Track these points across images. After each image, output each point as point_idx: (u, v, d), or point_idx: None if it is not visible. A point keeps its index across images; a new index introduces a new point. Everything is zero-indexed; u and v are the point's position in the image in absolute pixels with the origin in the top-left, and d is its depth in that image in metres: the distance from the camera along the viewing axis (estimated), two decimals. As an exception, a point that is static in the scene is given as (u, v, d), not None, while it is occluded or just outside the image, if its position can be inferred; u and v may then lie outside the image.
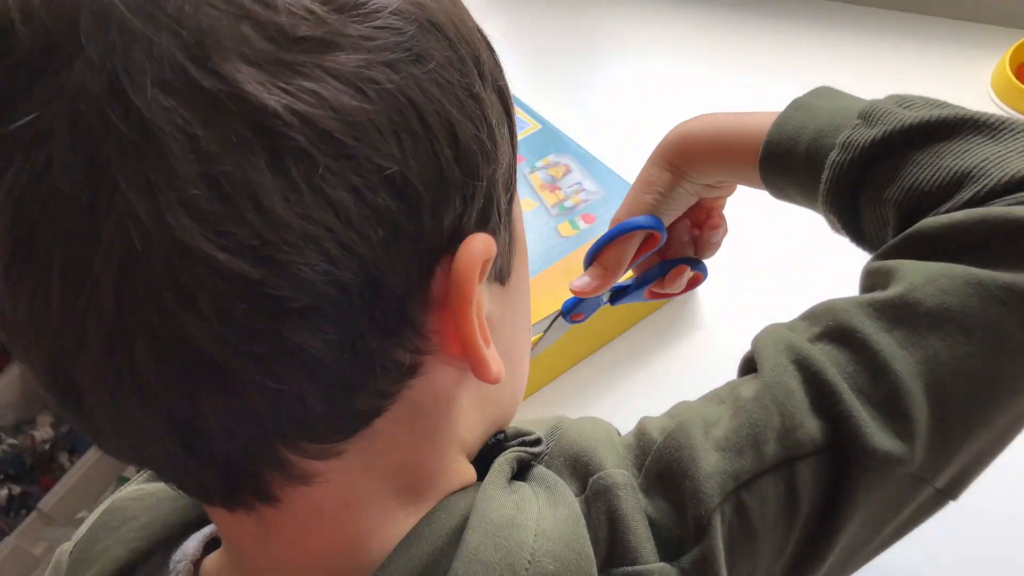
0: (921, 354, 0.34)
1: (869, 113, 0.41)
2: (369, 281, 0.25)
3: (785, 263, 0.75)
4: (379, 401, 0.28)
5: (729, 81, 0.91)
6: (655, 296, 0.57)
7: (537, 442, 0.36)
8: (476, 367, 0.29)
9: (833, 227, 0.45)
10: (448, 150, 0.26)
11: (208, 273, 0.23)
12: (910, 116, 0.39)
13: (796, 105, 0.45)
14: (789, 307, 0.67)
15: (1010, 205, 0.36)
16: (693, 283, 0.65)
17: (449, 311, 0.28)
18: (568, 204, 0.75)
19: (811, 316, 0.38)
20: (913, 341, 0.34)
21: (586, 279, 0.53)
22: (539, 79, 0.97)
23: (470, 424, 0.34)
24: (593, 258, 0.54)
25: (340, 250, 0.24)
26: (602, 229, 0.72)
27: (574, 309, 0.59)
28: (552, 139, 0.81)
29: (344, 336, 0.25)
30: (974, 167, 0.37)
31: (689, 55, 0.95)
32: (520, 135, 0.82)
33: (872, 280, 0.38)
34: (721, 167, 0.49)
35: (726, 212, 0.56)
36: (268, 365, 0.24)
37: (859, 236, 0.43)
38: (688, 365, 0.70)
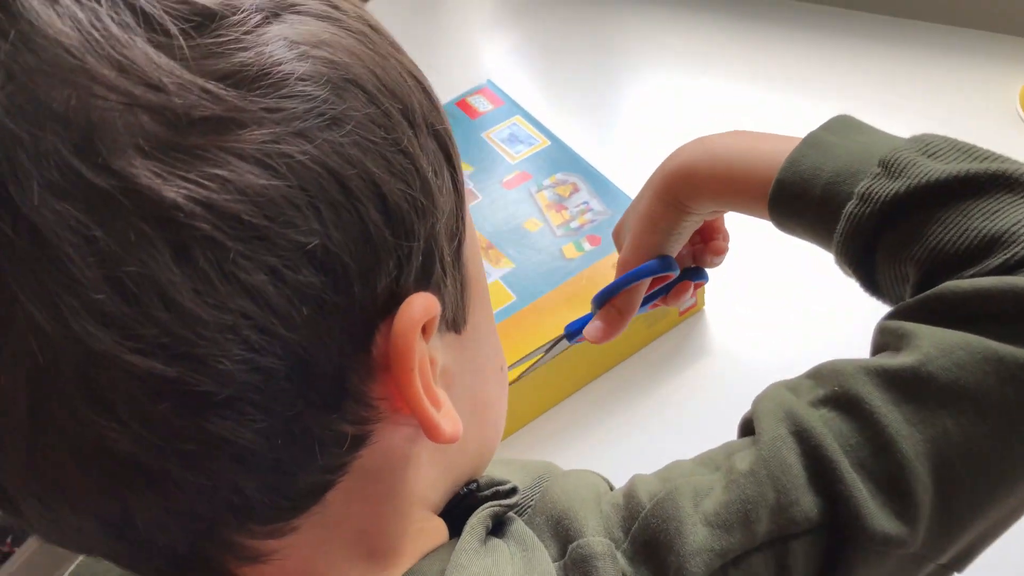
0: (930, 432, 0.32)
1: (891, 161, 0.38)
2: (297, 363, 0.24)
3: (798, 284, 0.72)
4: (327, 477, 0.27)
5: (750, 95, 0.88)
6: (655, 306, 0.56)
7: (512, 491, 0.35)
8: (427, 431, 0.28)
9: (844, 271, 0.42)
10: (376, 214, 0.25)
11: (123, 377, 0.22)
12: (936, 170, 0.37)
13: (811, 142, 0.42)
14: (802, 333, 0.64)
15: None
16: (684, 311, 0.64)
17: (392, 377, 0.27)
18: (574, 225, 0.73)
19: (817, 376, 0.37)
20: (923, 418, 0.32)
21: (599, 325, 0.52)
22: (552, 92, 0.95)
23: (431, 480, 0.33)
24: (603, 301, 0.52)
25: (261, 336, 0.23)
26: (608, 250, 0.70)
27: (580, 332, 0.57)
28: (561, 156, 0.79)
29: (276, 422, 0.24)
30: (1005, 231, 0.35)
31: (710, 69, 0.92)
32: (528, 152, 0.80)
33: (885, 339, 0.37)
34: (728, 203, 0.47)
35: (734, 227, 0.54)
36: (196, 462, 0.24)
37: (874, 288, 0.41)
38: (695, 393, 0.68)
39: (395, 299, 0.26)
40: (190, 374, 0.22)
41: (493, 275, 0.71)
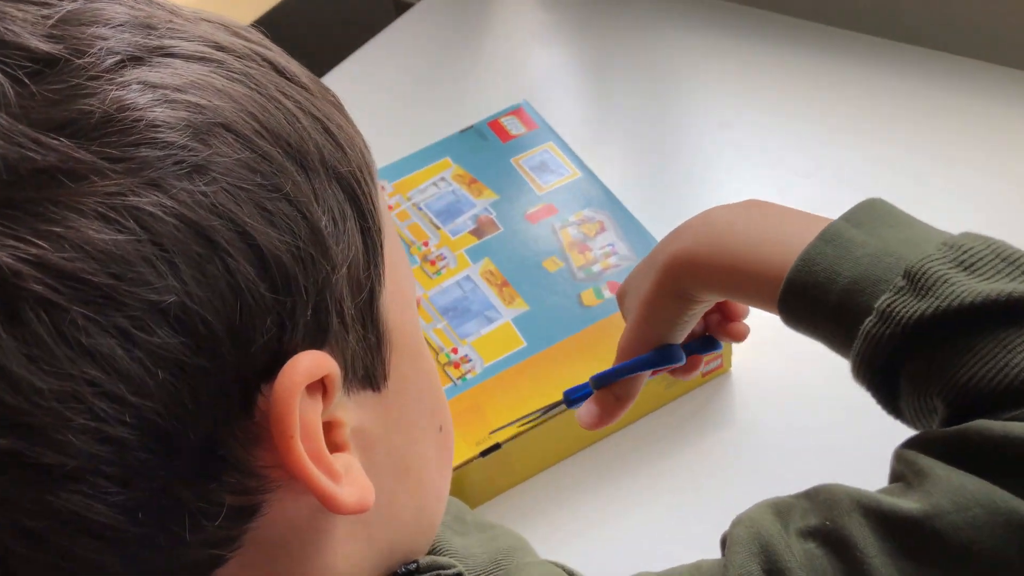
0: None
1: (918, 274, 0.33)
2: (154, 432, 0.23)
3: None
4: (212, 551, 0.26)
5: (812, 136, 0.82)
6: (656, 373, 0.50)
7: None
8: (321, 502, 0.26)
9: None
10: (248, 268, 0.24)
11: None
12: (970, 290, 0.32)
13: (829, 236, 0.37)
14: (843, 406, 0.57)
15: None
16: (708, 372, 0.59)
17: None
18: (596, 268, 0.68)
19: (812, 498, 0.33)
20: None
21: (594, 410, 0.47)
22: (590, 118, 0.90)
23: (353, 556, 0.30)
24: (600, 384, 0.47)
25: (108, 404, 0.22)
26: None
27: (582, 400, 0.52)
28: (591, 191, 0.74)
29: (137, 494, 0.23)
30: None
31: (764, 105, 0.86)
32: (557, 183, 0.76)
33: (901, 468, 0.33)
34: (735, 296, 0.43)
35: None
36: (45, 540, 0.22)
37: (897, 414, 0.36)
38: (711, 467, 0.63)
39: (278, 359, 0.25)
40: (27, 446, 0.21)
41: (505, 316, 0.66)
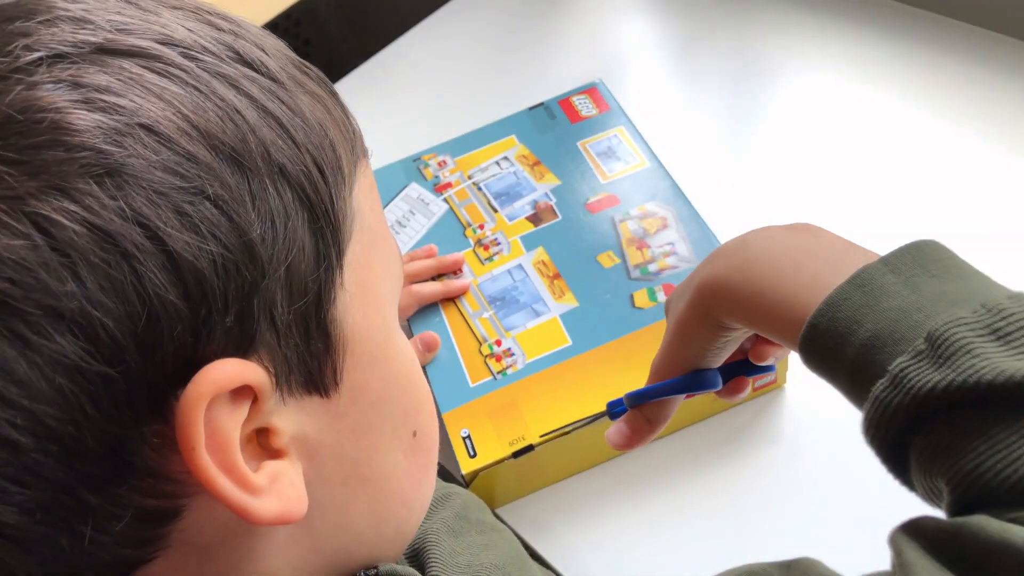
0: None
1: (941, 339, 0.30)
2: (50, 435, 0.23)
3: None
4: (129, 551, 0.26)
5: (922, 124, 0.76)
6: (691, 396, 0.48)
7: None
8: (235, 513, 0.26)
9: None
10: (157, 273, 0.23)
11: None
12: (993, 367, 0.28)
13: (860, 281, 0.34)
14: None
15: None
16: (760, 387, 0.55)
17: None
18: (652, 268, 0.65)
19: (788, 569, 0.32)
20: None
21: (624, 431, 0.45)
22: (667, 102, 0.85)
23: (293, 560, 0.30)
24: (634, 403, 0.45)
25: (1, 407, 0.22)
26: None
27: (622, 413, 0.50)
28: (658, 183, 0.71)
29: (38, 495, 0.23)
30: None
31: (868, 99, 0.80)
32: (623, 172, 0.72)
33: (892, 555, 0.30)
34: (761, 330, 0.39)
35: None
36: None
37: (909, 486, 0.33)
38: (756, 485, 0.60)
39: (192, 366, 0.24)
40: None
41: (553, 311, 0.64)
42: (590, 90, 0.80)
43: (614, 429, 0.46)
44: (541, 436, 0.57)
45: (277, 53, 0.29)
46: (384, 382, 0.32)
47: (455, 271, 0.68)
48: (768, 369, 0.47)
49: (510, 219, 0.71)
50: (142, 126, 0.24)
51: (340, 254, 0.29)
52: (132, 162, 0.23)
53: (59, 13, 0.25)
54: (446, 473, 0.62)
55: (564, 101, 0.80)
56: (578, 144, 0.76)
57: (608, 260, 0.67)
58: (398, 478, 0.33)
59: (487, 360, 0.63)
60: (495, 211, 0.72)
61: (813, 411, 0.63)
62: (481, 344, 0.64)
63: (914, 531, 0.30)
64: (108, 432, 0.23)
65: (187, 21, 0.27)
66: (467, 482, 0.57)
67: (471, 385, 0.61)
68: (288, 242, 0.26)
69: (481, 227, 0.71)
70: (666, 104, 0.85)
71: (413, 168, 0.78)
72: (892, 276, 0.33)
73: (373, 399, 0.31)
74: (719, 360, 0.43)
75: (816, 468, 0.60)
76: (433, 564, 0.39)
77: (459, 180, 0.76)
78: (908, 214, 0.70)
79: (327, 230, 0.28)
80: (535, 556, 0.59)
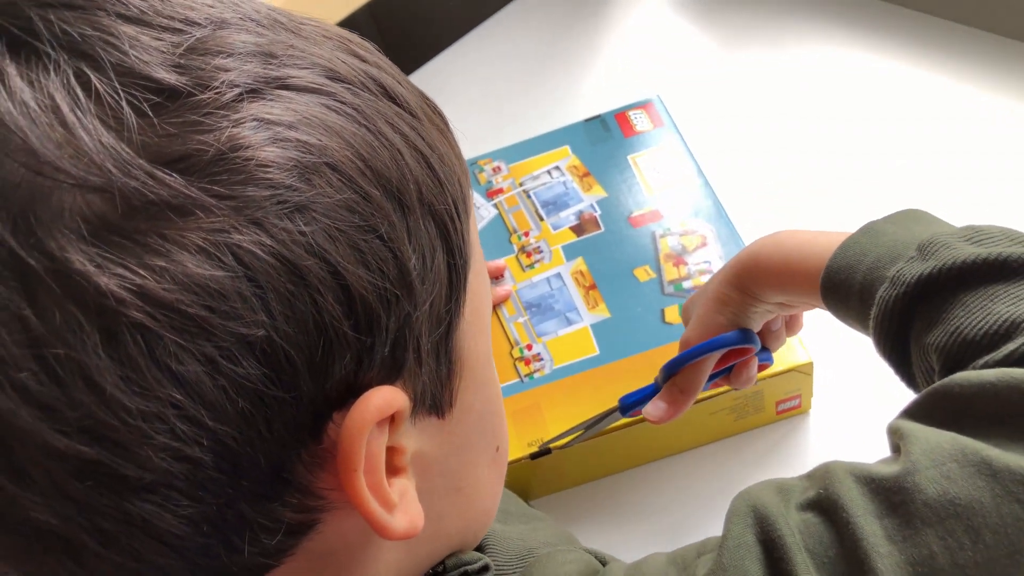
0: (912, 553, 0.29)
1: (927, 244, 0.38)
2: (227, 454, 0.24)
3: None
4: (266, 561, 0.27)
5: (949, 153, 0.75)
6: (716, 385, 0.55)
7: (484, 569, 0.35)
8: (375, 530, 0.28)
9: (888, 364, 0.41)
10: (335, 306, 0.25)
11: (43, 454, 0.22)
12: (968, 252, 0.36)
13: (866, 229, 0.42)
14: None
15: None
16: (783, 411, 0.59)
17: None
18: (687, 285, 0.67)
19: (812, 475, 0.35)
20: (906, 536, 0.30)
21: (662, 405, 0.51)
22: (721, 119, 0.86)
23: (390, 563, 0.32)
24: (671, 372, 0.50)
25: (188, 426, 0.23)
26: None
27: (636, 405, 0.53)
28: (702, 200, 0.72)
29: (205, 508, 0.24)
30: None
31: (914, 115, 0.78)
32: (669, 187, 0.74)
33: (891, 439, 0.34)
34: (785, 291, 0.47)
35: None
36: (117, 540, 0.24)
37: (914, 386, 0.39)
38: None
39: (352, 391, 0.26)
40: (111, 457, 0.23)
41: (585, 320, 0.67)
42: (646, 105, 0.81)
43: (651, 405, 0.50)
44: (558, 437, 0.59)
45: (409, 86, 0.30)
46: (484, 403, 0.34)
47: (497, 277, 0.71)
48: (766, 355, 0.53)
49: (555, 228, 0.74)
50: (329, 165, 0.25)
51: (464, 285, 0.30)
52: (320, 200, 0.24)
53: (250, 48, 0.26)
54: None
55: (620, 115, 0.81)
56: (628, 157, 0.77)
57: (644, 274, 0.68)
58: (483, 489, 0.36)
59: (516, 363, 0.65)
60: (541, 219, 0.75)
61: (836, 438, 0.63)
62: (513, 347, 0.66)
63: (906, 410, 0.35)
64: (275, 452, 0.25)
65: (341, 53, 0.28)
66: (485, 478, 0.60)
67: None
68: (434, 276, 0.28)
69: (526, 234, 0.74)
70: (716, 121, 0.85)
71: (469, 172, 0.81)
72: (891, 225, 0.42)
73: (475, 419, 0.33)
74: (754, 323, 0.49)
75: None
76: (490, 547, 0.41)
77: (510, 186, 0.78)
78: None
79: (459, 263, 0.30)
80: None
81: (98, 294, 0.22)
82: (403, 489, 0.29)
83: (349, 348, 0.25)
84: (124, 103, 0.23)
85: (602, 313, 0.67)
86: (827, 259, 0.42)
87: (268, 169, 0.24)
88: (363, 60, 0.29)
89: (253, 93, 0.25)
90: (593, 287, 0.69)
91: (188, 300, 0.22)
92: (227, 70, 0.25)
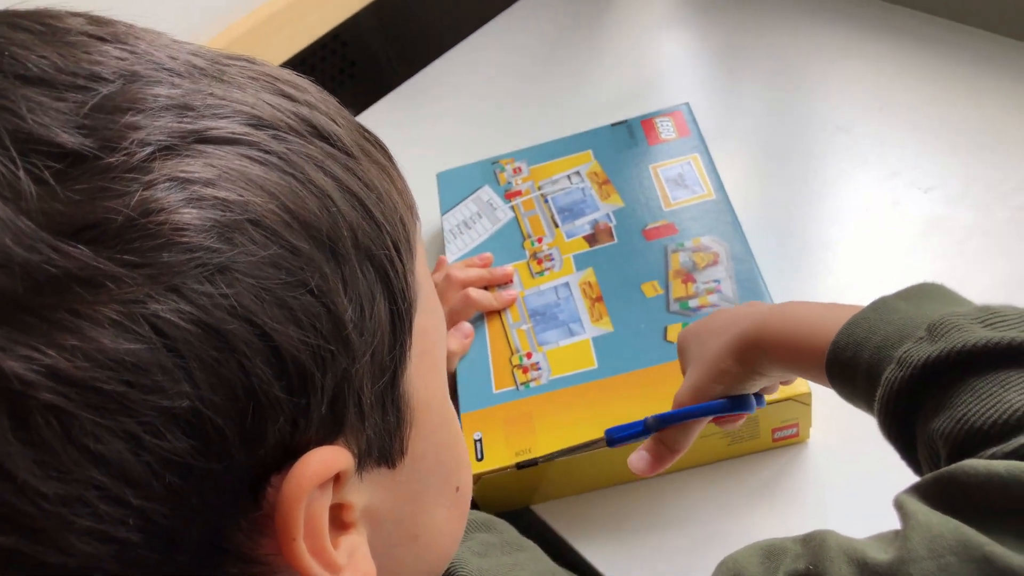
0: None
1: (938, 325, 0.37)
2: (158, 531, 0.23)
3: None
4: None
5: (939, 146, 0.71)
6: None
7: None
8: None
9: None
10: (264, 369, 0.23)
11: None
12: (980, 335, 0.35)
13: (875, 305, 0.41)
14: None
15: None
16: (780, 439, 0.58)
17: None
18: (693, 303, 0.66)
19: (807, 543, 0.34)
20: None
21: (647, 458, 0.50)
22: (750, 132, 0.84)
23: None
24: (660, 426, 0.49)
25: (113, 507, 0.22)
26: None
27: (623, 440, 0.53)
28: (719, 217, 0.71)
29: None
30: None
31: (901, 110, 0.75)
32: (686, 201, 0.73)
33: (896, 508, 0.34)
34: (789, 367, 0.46)
35: None
36: None
37: (918, 471, 0.38)
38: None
39: (290, 454, 0.25)
40: (30, 545, 0.21)
41: (587, 333, 0.66)
42: (675, 113, 0.80)
43: (636, 455, 0.50)
44: (544, 456, 0.59)
45: (345, 122, 0.29)
46: (439, 446, 0.33)
47: (504, 283, 0.71)
48: (759, 401, 0.51)
49: (568, 236, 0.73)
50: (249, 221, 0.24)
51: (411, 329, 0.29)
52: (242, 259, 0.23)
53: (163, 102, 0.24)
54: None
55: (647, 121, 0.80)
56: (650, 167, 0.76)
57: (651, 290, 0.68)
58: (443, 531, 0.35)
59: (514, 370, 0.66)
60: (556, 226, 0.74)
61: (835, 469, 0.62)
62: (513, 354, 0.67)
63: (912, 488, 0.34)
64: (211, 523, 0.24)
65: (268, 95, 0.27)
66: (471, 484, 0.61)
67: (494, 391, 0.65)
68: (374, 326, 0.27)
69: (540, 240, 0.74)
70: (745, 133, 0.83)
71: (490, 171, 0.81)
72: (903, 302, 0.40)
73: (430, 463, 0.32)
74: (752, 389, 0.48)
75: (839, 524, 0.59)
76: None
77: (529, 189, 0.78)
78: (924, 222, 0.66)
79: (402, 307, 0.28)
80: (567, 561, 0.62)
81: (2, 378, 0.21)
82: (353, 546, 0.28)
83: (282, 411, 0.24)
84: (22, 173, 0.21)
85: (605, 327, 0.66)
86: (834, 335, 0.41)
87: (184, 232, 0.23)
88: (292, 99, 0.28)
89: (167, 151, 0.23)
90: (599, 299, 0.68)
91: (104, 377, 0.21)
92: (138, 128, 0.23)
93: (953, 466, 0.32)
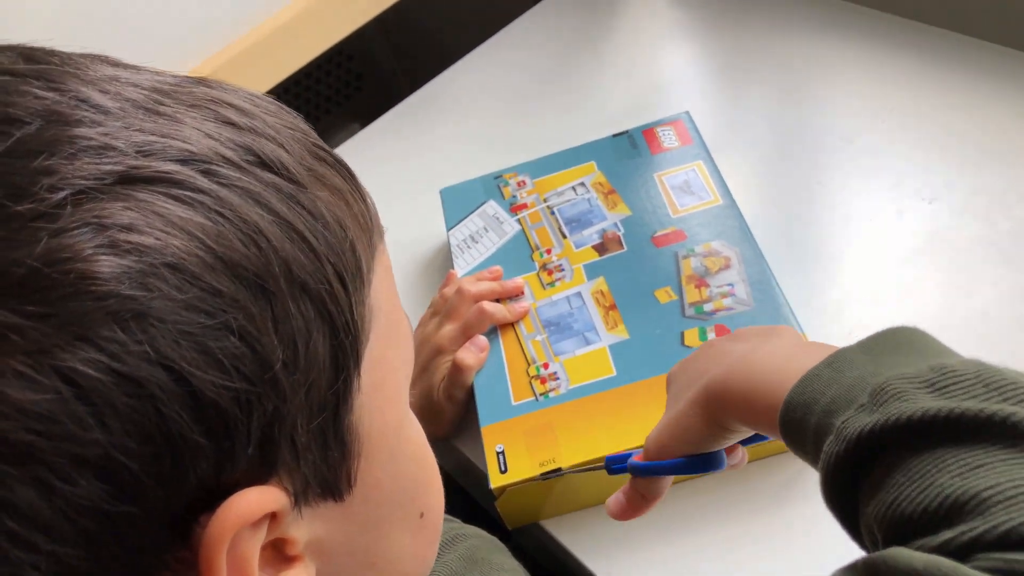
0: None
1: (880, 391, 0.32)
2: (73, 575, 0.23)
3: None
4: None
5: (943, 157, 0.72)
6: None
7: None
8: None
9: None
10: (182, 414, 0.23)
11: None
12: (919, 407, 0.31)
13: (832, 360, 0.36)
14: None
15: (993, 570, 0.26)
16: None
17: None
18: (708, 308, 0.66)
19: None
20: None
21: (621, 503, 0.47)
22: (750, 137, 0.84)
23: None
24: (635, 472, 0.47)
25: (26, 553, 0.22)
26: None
27: (620, 471, 0.51)
28: (727, 221, 0.71)
29: None
30: (975, 495, 0.28)
31: (903, 121, 0.76)
32: (694, 208, 0.73)
33: None
34: (752, 424, 0.41)
35: None
36: None
37: (862, 545, 0.34)
38: (779, 547, 0.59)
39: (217, 495, 0.25)
40: None
41: (603, 341, 0.66)
42: (675, 122, 0.81)
43: (612, 499, 0.47)
44: (569, 466, 0.59)
45: (295, 144, 0.28)
46: (396, 475, 0.32)
47: (516, 295, 0.71)
48: (760, 437, 0.47)
49: (577, 246, 0.73)
50: (167, 265, 0.23)
51: (358, 361, 0.29)
52: (157, 304, 0.23)
53: (81, 144, 0.24)
54: (476, 493, 0.64)
55: (648, 131, 0.81)
56: (655, 176, 0.77)
57: (665, 296, 0.68)
58: (404, 558, 0.34)
59: (532, 381, 0.65)
60: (564, 237, 0.74)
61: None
62: (529, 365, 0.66)
63: (846, 568, 0.31)
64: (132, 565, 0.24)
65: (207, 123, 0.27)
66: (495, 496, 0.60)
67: (513, 403, 0.64)
68: (309, 363, 0.26)
69: (548, 251, 0.74)
70: (745, 138, 0.84)
71: (493, 185, 0.81)
72: (862, 355, 0.36)
73: (385, 493, 0.32)
74: (719, 446, 0.44)
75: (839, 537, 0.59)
76: None
77: (534, 202, 0.78)
78: (927, 233, 0.67)
79: (346, 341, 0.28)
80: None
81: None
82: None
83: (203, 455, 0.24)
84: None
85: (621, 334, 0.66)
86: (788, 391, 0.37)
87: (94, 280, 0.22)
88: (235, 127, 0.27)
89: (82, 195, 0.23)
90: (613, 307, 0.68)
91: (10, 427, 0.21)
92: (51, 173, 0.23)
93: (878, 554, 0.30)
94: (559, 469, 0.59)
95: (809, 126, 0.83)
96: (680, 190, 0.75)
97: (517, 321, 0.69)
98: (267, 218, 0.26)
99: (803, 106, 0.84)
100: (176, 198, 0.24)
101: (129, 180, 0.24)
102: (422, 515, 0.35)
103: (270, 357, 0.25)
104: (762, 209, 0.76)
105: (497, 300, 0.70)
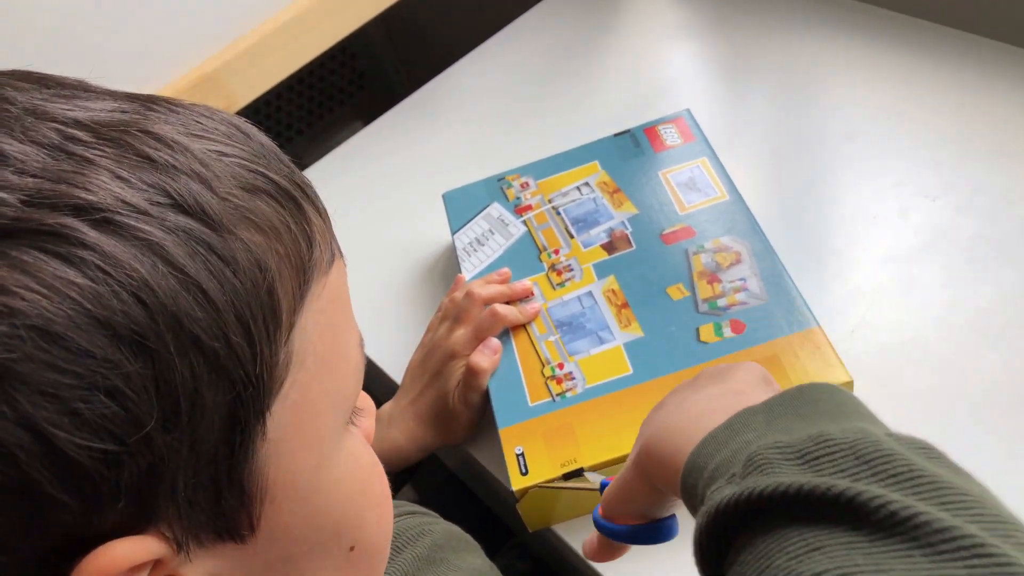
0: None
1: (750, 461, 0.31)
2: None
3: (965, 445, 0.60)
4: None
5: (946, 154, 0.73)
6: None
7: None
8: None
9: None
10: (43, 472, 0.23)
11: None
12: (773, 481, 0.28)
13: (731, 421, 0.34)
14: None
15: None
16: None
17: None
18: (721, 303, 0.65)
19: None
20: None
21: (595, 545, 0.46)
22: (753, 133, 0.84)
23: None
24: (596, 525, 0.45)
25: None
26: (749, 342, 0.62)
27: None
28: (735, 217, 0.71)
29: None
30: None
31: (906, 118, 0.77)
32: (701, 204, 0.73)
33: None
34: (672, 490, 0.38)
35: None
36: None
37: None
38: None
39: (88, 543, 0.25)
40: None
41: (618, 339, 0.65)
42: (676, 120, 0.81)
43: (587, 540, 0.46)
44: (590, 465, 0.58)
45: (227, 179, 0.27)
46: (310, 514, 0.31)
47: (525, 297, 0.70)
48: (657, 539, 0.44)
49: (585, 246, 0.73)
50: (33, 328, 0.23)
51: (261, 411, 0.28)
52: (20, 366, 0.23)
53: None
54: (487, 494, 0.63)
55: (650, 129, 0.81)
56: (659, 173, 0.76)
57: (677, 292, 0.67)
58: None
59: (548, 382, 0.64)
60: (571, 237, 0.74)
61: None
62: (544, 366, 0.65)
63: None
64: None
65: (122, 162, 0.26)
66: (517, 498, 0.59)
67: (530, 404, 0.63)
68: (196, 417, 0.26)
69: (556, 252, 0.73)
70: (748, 135, 0.84)
71: (497, 188, 0.80)
72: (762, 416, 0.34)
73: (297, 532, 0.31)
74: (669, 511, 0.42)
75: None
76: None
77: (539, 203, 0.78)
78: (931, 231, 0.67)
79: (245, 393, 0.27)
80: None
81: None
82: None
83: (67, 510, 0.24)
84: None
85: (635, 332, 0.66)
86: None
87: None
88: (153, 163, 0.26)
89: None
90: (625, 305, 0.68)
91: None
92: None
93: None
94: (580, 469, 0.58)
95: (811, 124, 0.83)
96: (686, 187, 0.75)
97: (529, 322, 0.69)
98: (160, 270, 0.25)
99: (805, 104, 0.85)
100: (56, 255, 0.24)
101: (8, 234, 0.23)
102: (352, 548, 0.33)
103: (143, 417, 0.24)
104: (765, 207, 0.76)
105: (507, 302, 0.69)
